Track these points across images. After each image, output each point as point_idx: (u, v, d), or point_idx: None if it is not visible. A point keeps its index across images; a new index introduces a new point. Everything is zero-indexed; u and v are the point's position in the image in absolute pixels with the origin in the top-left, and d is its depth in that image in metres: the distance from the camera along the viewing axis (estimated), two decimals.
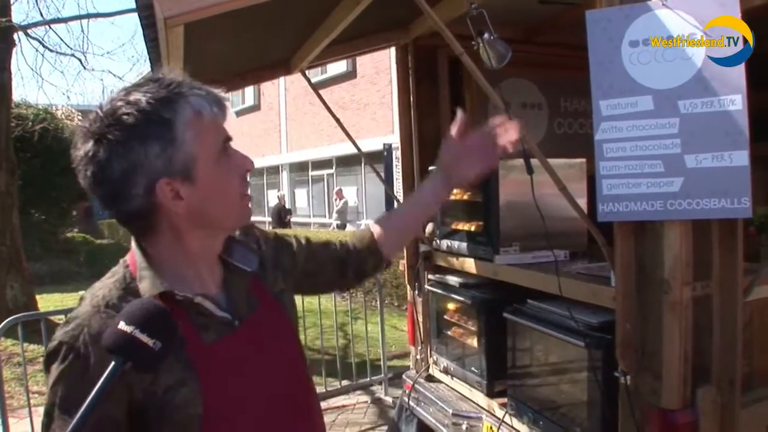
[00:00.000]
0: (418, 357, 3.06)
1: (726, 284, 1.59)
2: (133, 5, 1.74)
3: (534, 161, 1.75)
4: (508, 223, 2.38)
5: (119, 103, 0.89)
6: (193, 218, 0.94)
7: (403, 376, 3.14)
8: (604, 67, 1.59)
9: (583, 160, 2.42)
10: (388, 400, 4.44)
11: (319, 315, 4.83)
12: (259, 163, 19.29)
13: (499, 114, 1.32)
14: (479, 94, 2.84)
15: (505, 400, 2.33)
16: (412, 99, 2.99)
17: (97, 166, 0.89)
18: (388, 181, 10.01)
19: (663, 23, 1.52)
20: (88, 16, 8.72)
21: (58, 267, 11.75)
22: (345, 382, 4.66)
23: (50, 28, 8.45)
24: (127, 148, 0.88)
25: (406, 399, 2.96)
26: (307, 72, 3.24)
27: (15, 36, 7.46)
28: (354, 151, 3.51)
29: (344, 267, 1.30)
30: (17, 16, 12.34)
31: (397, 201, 3.43)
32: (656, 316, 1.56)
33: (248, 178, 1.03)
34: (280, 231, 1.29)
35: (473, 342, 2.57)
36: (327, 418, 4.06)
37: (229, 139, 0.98)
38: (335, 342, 5.00)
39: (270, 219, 15.87)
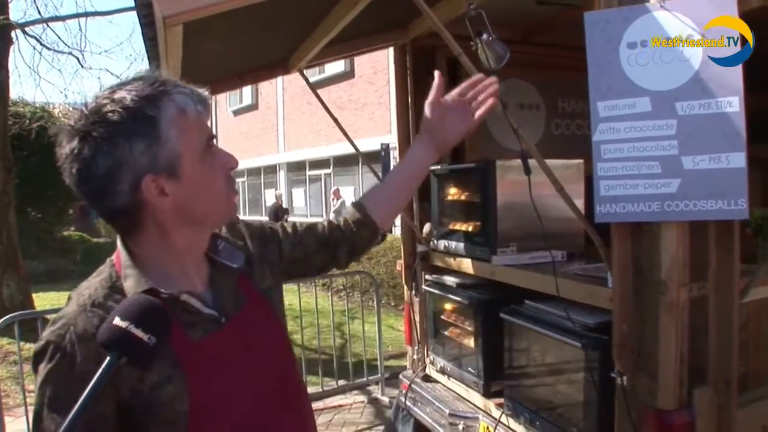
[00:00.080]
0: (415, 357, 3.06)
1: (723, 285, 1.60)
2: (132, 4, 1.74)
3: (531, 162, 1.75)
4: (506, 224, 2.38)
5: (104, 101, 0.89)
6: (178, 215, 0.94)
7: (400, 376, 3.14)
8: (602, 69, 1.59)
9: (581, 161, 2.43)
10: (385, 400, 4.43)
11: (316, 315, 4.84)
12: (256, 162, 19.28)
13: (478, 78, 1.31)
14: None
15: (501, 400, 2.33)
16: (410, 99, 2.99)
17: (83, 164, 0.89)
18: None
19: (661, 25, 1.52)
20: (86, 14, 8.73)
21: (54, 265, 11.73)
22: (342, 382, 4.66)
23: (48, 26, 8.47)
24: (112, 145, 0.88)
25: (403, 399, 2.96)
26: (305, 72, 3.24)
27: (13, 34, 7.45)
28: (351, 150, 3.51)
29: (334, 247, 1.29)
30: (15, 13, 12.34)
31: None
32: (653, 317, 1.56)
33: (233, 175, 1.03)
34: (267, 222, 1.27)
35: (470, 342, 2.57)
36: (324, 418, 4.07)
37: (212, 137, 0.98)
38: (332, 342, 5.00)
39: (267, 218, 15.86)
